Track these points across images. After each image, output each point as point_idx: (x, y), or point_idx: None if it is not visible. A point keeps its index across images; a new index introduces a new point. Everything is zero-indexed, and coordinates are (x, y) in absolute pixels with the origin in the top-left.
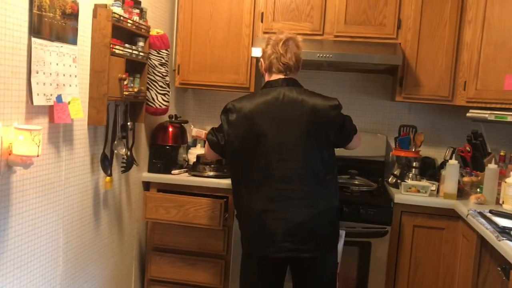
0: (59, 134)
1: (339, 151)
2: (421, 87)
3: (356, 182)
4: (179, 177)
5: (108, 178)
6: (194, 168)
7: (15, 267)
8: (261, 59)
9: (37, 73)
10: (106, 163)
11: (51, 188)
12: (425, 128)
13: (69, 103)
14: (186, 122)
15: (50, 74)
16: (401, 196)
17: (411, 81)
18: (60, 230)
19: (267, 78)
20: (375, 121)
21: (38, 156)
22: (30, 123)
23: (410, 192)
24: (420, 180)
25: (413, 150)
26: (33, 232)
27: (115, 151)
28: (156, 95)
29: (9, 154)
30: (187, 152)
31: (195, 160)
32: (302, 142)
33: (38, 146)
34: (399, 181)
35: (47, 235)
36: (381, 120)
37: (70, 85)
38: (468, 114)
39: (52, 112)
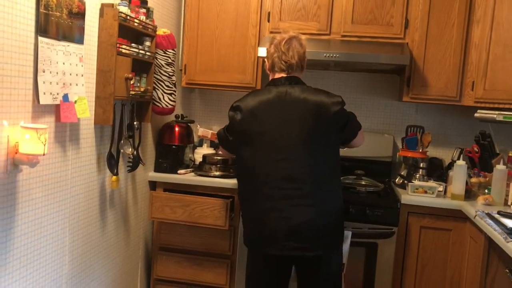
0: (66, 133)
1: (345, 152)
2: (428, 87)
3: (363, 183)
4: (185, 176)
5: (114, 177)
6: (200, 168)
7: (21, 265)
8: (265, 59)
9: (44, 72)
10: (112, 162)
11: (57, 187)
12: (433, 129)
13: (75, 102)
14: (193, 122)
15: (57, 73)
16: (408, 197)
17: (418, 81)
18: (66, 229)
19: (271, 77)
20: (382, 122)
21: (44, 154)
22: (36, 122)
23: (417, 193)
24: (427, 181)
25: (420, 150)
26: (39, 231)
27: (122, 151)
28: (162, 94)
29: (16, 153)
30: (193, 152)
31: (201, 160)
32: (304, 140)
33: (44, 145)
34: (406, 181)
35: (53, 234)
36: (388, 120)
37: (76, 84)
38: (476, 115)
39: (59, 112)
